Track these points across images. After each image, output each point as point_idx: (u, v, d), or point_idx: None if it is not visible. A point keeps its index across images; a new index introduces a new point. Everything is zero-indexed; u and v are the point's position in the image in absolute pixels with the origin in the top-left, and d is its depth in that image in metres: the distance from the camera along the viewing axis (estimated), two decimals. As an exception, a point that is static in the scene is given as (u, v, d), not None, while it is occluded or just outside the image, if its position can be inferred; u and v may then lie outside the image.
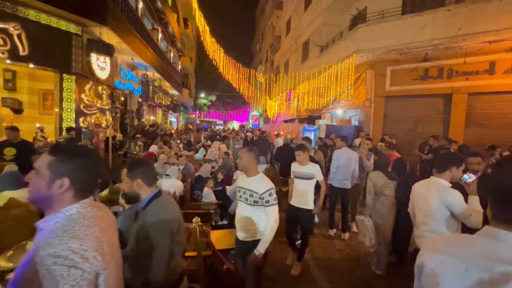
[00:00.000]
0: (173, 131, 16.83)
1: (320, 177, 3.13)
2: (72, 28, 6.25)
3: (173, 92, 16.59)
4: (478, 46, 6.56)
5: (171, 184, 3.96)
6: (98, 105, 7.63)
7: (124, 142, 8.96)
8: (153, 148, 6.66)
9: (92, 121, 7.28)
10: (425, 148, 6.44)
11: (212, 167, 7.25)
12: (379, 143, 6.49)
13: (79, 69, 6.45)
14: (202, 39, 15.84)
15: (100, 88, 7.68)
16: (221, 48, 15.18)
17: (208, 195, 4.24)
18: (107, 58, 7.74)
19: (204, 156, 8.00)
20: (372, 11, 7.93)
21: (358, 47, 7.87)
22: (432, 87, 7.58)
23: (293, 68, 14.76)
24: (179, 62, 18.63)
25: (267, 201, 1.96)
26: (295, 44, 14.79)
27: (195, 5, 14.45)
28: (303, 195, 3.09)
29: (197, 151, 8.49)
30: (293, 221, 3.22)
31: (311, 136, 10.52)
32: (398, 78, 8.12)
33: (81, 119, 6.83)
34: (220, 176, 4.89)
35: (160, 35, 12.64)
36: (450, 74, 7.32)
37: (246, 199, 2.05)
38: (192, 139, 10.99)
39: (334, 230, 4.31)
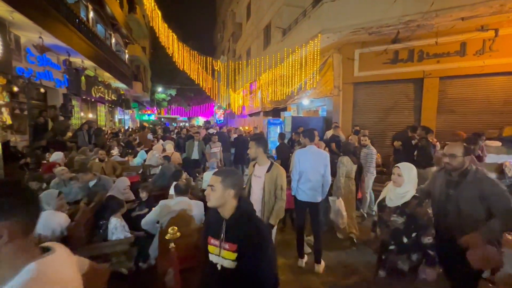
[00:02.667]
0: (122, 130, 14.54)
1: None
2: None
3: (119, 85, 14.18)
4: (450, 23, 5.93)
5: (46, 220, 2.40)
6: (-16, 99, 5.51)
7: (36, 147, 6.86)
8: (57, 156, 4.85)
9: (-29, 121, 5.17)
10: (400, 138, 5.66)
11: (152, 175, 5.70)
12: (351, 136, 5.55)
13: None
14: (151, 24, 13.74)
15: (-15, 75, 5.54)
16: (173, 34, 13.26)
17: (117, 229, 2.74)
18: (-6, 34, 5.60)
19: (145, 161, 6.36)
20: (337, -16, 6.93)
21: (323, 27, 6.84)
22: (403, 71, 6.90)
23: (255, 56, 13.48)
24: (126, 51, 16.11)
25: None
26: (256, 30, 13.49)
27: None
28: None
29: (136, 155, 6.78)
30: None
31: (277, 130, 9.43)
32: (367, 62, 7.32)
33: None
34: (143, 195, 3.41)
35: (91, 14, 10.32)
36: (421, 56, 6.67)
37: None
38: (137, 140, 9.14)
39: (306, 259, 3.16)
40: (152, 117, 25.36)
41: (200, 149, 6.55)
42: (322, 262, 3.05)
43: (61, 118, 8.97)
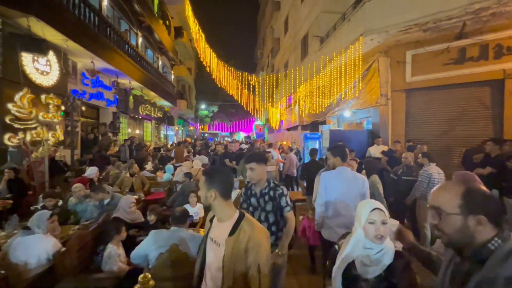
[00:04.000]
0: (169, 146, 15.40)
1: None
2: (-14, 20, 4.86)
3: (163, 103, 15.23)
4: (543, 6, 4.53)
5: (30, 246, 2.19)
6: (41, 117, 6.17)
7: (82, 161, 7.44)
8: (91, 171, 4.98)
9: (28, 137, 5.78)
10: (475, 156, 4.35)
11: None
12: (405, 153, 4.48)
13: (-2, 72, 5.02)
14: (195, 46, 14.69)
15: (43, 97, 6.24)
16: (213, 53, 13.86)
17: (110, 258, 2.40)
18: (53, 60, 6.35)
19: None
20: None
21: (366, 28, 6.02)
22: (473, 72, 5.53)
23: (293, 69, 13.03)
24: (172, 72, 17.43)
25: None
26: (294, 42, 13.13)
27: (189, 12, 13.35)
28: None
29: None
30: None
31: (316, 145, 8.58)
32: (422, 65, 6.14)
33: (6, 136, 5.33)
34: (151, 218, 3.07)
35: (140, 40, 11.38)
36: (499, 52, 5.26)
37: None
38: (171, 155, 9.34)
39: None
40: (197, 133, 26.68)
41: None
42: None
43: (110, 134, 9.78)
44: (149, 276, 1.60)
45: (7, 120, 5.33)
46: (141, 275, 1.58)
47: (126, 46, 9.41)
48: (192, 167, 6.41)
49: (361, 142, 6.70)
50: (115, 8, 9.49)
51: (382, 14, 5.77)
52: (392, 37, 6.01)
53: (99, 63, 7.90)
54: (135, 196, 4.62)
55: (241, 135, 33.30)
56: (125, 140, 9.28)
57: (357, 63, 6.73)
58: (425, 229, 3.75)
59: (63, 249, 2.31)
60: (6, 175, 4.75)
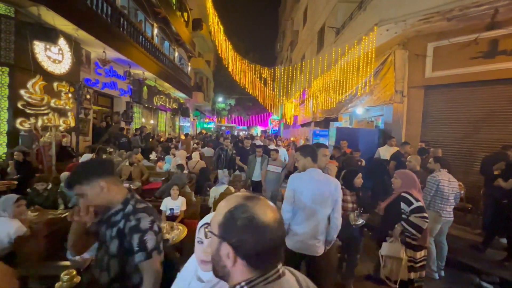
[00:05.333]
0: (182, 137, 15.71)
1: None
2: (1, 8, 5.09)
3: (178, 94, 15.44)
4: None
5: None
6: (53, 104, 6.46)
7: (93, 148, 7.73)
8: (85, 158, 5.12)
9: (40, 123, 6.08)
10: (495, 167, 3.81)
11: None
12: (410, 157, 4.03)
13: (10, 59, 5.27)
14: (213, 39, 14.64)
15: (55, 84, 6.52)
16: (229, 45, 13.70)
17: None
18: (65, 49, 6.58)
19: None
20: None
21: (381, 17, 5.49)
22: (506, 67, 4.82)
23: (304, 62, 12.50)
24: (189, 64, 17.58)
25: None
26: (311, 34, 12.56)
27: (209, 3, 13.28)
28: None
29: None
30: None
31: (326, 143, 8.18)
32: (445, 59, 5.49)
33: (18, 120, 5.63)
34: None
35: (155, 31, 11.52)
36: (538, 44, 4.52)
37: None
38: (179, 145, 9.46)
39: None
40: (212, 125, 26.97)
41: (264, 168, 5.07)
42: None
43: (122, 123, 10.11)
44: (74, 272, 1.51)
45: (19, 105, 5.62)
46: (65, 271, 1.50)
47: (140, 37, 9.55)
48: (187, 157, 6.40)
49: (370, 142, 6.23)
50: (130, -3, 9.64)
51: (399, 1, 5.21)
52: (410, 27, 5.42)
53: (112, 53, 8.08)
54: (128, 185, 4.70)
55: (258, 130, 33.14)
56: (136, 129, 9.53)
57: (370, 56, 6.21)
58: (429, 243, 3.35)
59: (25, 234, 2.33)
60: (15, 157, 5.03)
